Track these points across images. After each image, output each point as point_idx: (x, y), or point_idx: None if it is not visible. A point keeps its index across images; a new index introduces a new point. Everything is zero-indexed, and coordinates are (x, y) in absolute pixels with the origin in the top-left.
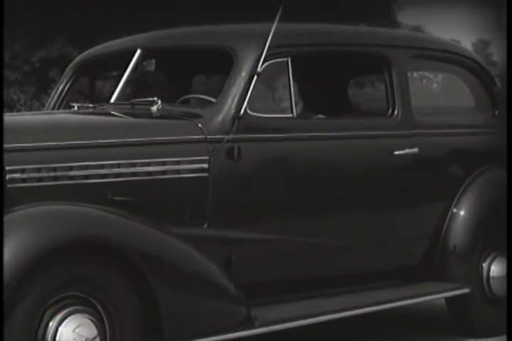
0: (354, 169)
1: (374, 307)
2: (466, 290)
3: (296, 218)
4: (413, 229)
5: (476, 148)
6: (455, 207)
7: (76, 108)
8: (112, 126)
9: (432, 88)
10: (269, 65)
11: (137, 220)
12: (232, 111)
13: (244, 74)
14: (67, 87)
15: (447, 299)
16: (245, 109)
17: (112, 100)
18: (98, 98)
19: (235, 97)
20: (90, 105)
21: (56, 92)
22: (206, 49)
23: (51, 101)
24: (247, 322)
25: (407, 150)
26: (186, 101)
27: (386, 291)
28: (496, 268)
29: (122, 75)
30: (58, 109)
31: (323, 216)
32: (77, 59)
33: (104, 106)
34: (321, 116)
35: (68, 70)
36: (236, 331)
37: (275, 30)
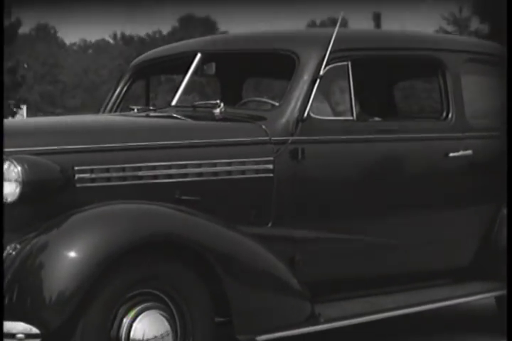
0: (411, 170)
1: (428, 305)
2: None
3: (356, 218)
4: (465, 229)
5: None
6: (505, 208)
7: (136, 110)
8: (178, 127)
9: (484, 91)
10: (331, 68)
11: (207, 219)
12: (296, 113)
13: (306, 77)
14: (124, 90)
15: (497, 298)
16: (308, 112)
17: (173, 103)
18: (155, 101)
19: (298, 100)
20: (151, 108)
21: (113, 95)
22: (267, 53)
23: (108, 103)
24: (312, 318)
25: (462, 153)
26: (246, 105)
27: (439, 290)
28: None
29: (183, 79)
30: (115, 111)
31: (382, 216)
32: (135, 62)
33: (166, 109)
34: (377, 118)
35: (126, 73)
36: (302, 327)
37: (336, 34)
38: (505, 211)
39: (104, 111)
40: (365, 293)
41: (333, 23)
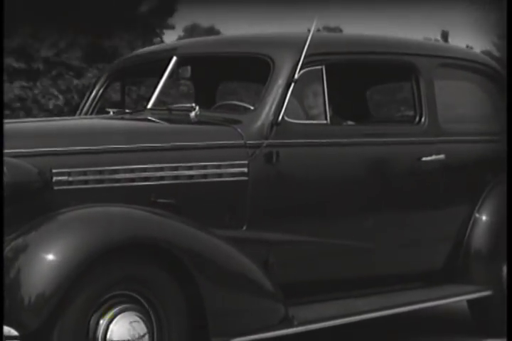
0: (383, 174)
1: (403, 308)
2: (487, 293)
3: (330, 221)
4: (437, 232)
5: (498, 154)
6: (478, 211)
7: (112, 113)
8: (154, 130)
9: (457, 95)
10: (305, 72)
11: (183, 221)
12: (270, 117)
13: (281, 81)
14: (100, 93)
15: (469, 301)
16: (282, 116)
17: (149, 106)
18: (131, 104)
19: (273, 104)
20: (127, 111)
21: (89, 98)
22: (243, 56)
23: (84, 106)
24: (286, 321)
25: (434, 157)
26: (221, 108)
27: (412, 293)
28: None
29: (158, 82)
30: (91, 114)
31: (355, 219)
32: (112, 64)
33: (142, 112)
34: (350, 122)
35: (102, 76)
36: (276, 329)
37: (311, 38)
38: (477, 215)
39: (80, 114)
40: (340, 296)
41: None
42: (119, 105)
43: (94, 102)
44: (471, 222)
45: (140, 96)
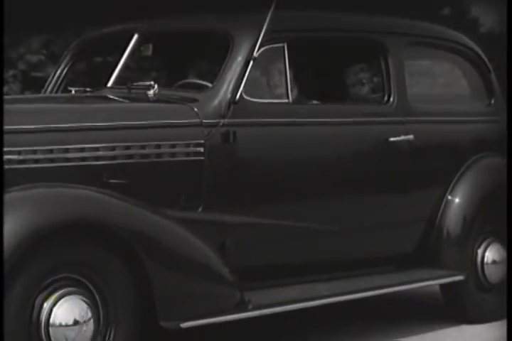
0: (349, 155)
1: (367, 292)
2: (460, 277)
3: (291, 202)
4: (408, 215)
5: (471, 136)
6: (450, 193)
7: (73, 92)
8: (107, 109)
9: (428, 75)
10: (266, 50)
11: (132, 202)
12: (228, 95)
13: (240, 59)
14: (65, 71)
15: (441, 285)
16: (241, 94)
17: (109, 84)
18: (96, 82)
19: (231, 82)
20: (88, 89)
21: (54, 76)
22: (203, 34)
23: (49, 84)
24: (240, 305)
25: (402, 137)
26: (184, 86)
27: (380, 277)
28: (490, 255)
29: (119, 59)
30: (56, 92)
31: (318, 201)
32: (75, 43)
33: (101, 90)
34: (316, 102)
35: (66, 54)
36: (229, 314)
37: (271, 15)
38: (449, 197)
39: (45, 92)
40: (301, 280)
41: None
42: (84, 83)
43: (59, 81)
44: (443, 204)
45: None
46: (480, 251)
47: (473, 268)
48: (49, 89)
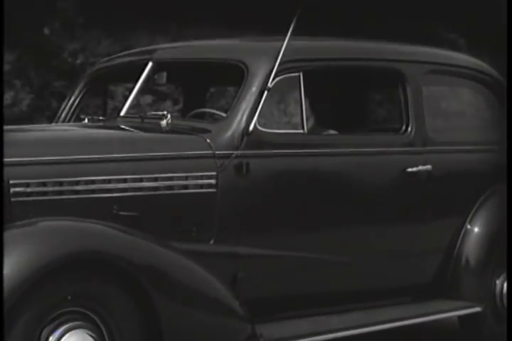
0: (366, 186)
1: (383, 325)
2: (478, 309)
3: (305, 234)
4: (426, 245)
5: (490, 165)
6: (469, 223)
7: (86, 121)
8: (119, 140)
9: (447, 103)
10: (281, 79)
11: (139, 236)
12: (242, 126)
13: (254, 89)
14: (78, 99)
15: (460, 317)
16: (255, 125)
17: (122, 113)
18: (109, 110)
19: (245, 112)
20: (100, 118)
21: (67, 104)
22: (217, 63)
23: (62, 113)
24: (252, 339)
25: (420, 168)
26: (198, 116)
27: (397, 309)
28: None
29: (133, 88)
30: (69, 121)
31: (333, 232)
32: (90, 70)
33: (114, 120)
34: (332, 132)
35: (80, 82)
36: None
37: (287, 45)
38: (469, 226)
39: (57, 121)
40: (313, 313)
41: None
42: (99, 112)
43: (72, 109)
44: (462, 234)
45: (120, 102)
46: (499, 282)
47: (492, 299)
48: (62, 117)
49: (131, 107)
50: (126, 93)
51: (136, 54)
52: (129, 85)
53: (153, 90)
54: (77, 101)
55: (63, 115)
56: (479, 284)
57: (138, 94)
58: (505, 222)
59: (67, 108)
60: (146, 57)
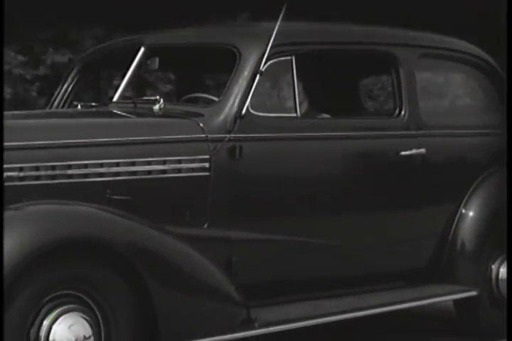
0: (359, 169)
1: (378, 309)
2: (474, 293)
3: (299, 218)
4: (420, 230)
5: (485, 149)
6: (464, 208)
7: (79, 107)
8: (112, 124)
9: (441, 87)
10: (273, 63)
11: (133, 219)
12: (234, 110)
13: (246, 73)
14: (71, 86)
15: (455, 301)
16: (247, 108)
17: (115, 99)
18: (103, 96)
19: (237, 96)
20: (93, 104)
21: (61, 91)
22: (209, 47)
23: (55, 99)
24: (247, 324)
25: (414, 151)
26: (191, 100)
27: (392, 293)
28: (504, 270)
29: (125, 73)
30: (63, 107)
31: (327, 216)
32: (82, 57)
33: (107, 105)
34: (325, 115)
35: (72, 68)
36: (235, 332)
37: (279, 28)
38: (463, 211)
39: (51, 107)
40: (308, 297)
41: None
42: (91, 98)
43: (65, 95)
44: (457, 218)
45: (112, 88)
46: (494, 267)
47: (488, 283)
48: (55, 104)
49: (123, 92)
50: (116, 80)
51: (128, 40)
52: (122, 71)
53: (144, 75)
54: (70, 88)
55: (56, 102)
56: (474, 268)
57: (130, 80)
58: (499, 205)
59: (61, 94)
60: (138, 42)
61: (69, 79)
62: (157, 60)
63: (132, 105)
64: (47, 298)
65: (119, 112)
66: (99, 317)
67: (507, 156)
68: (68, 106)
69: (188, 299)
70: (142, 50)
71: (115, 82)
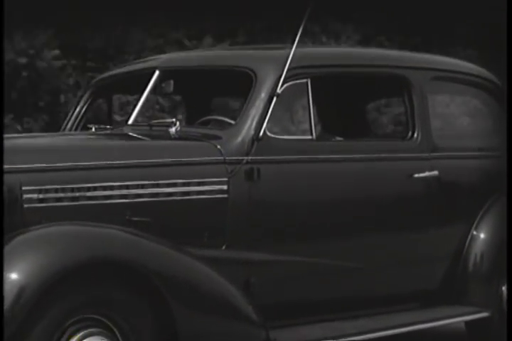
0: (373, 191)
1: (393, 330)
2: (486, 314)
3: (315, 240)
4: (433, 251)
5: (496, 171)
6: (475, 229)
7: (94, 129)
8: (131, 147)
9: (452, 110)
10: (289, 86)
11: (155, 241)
12: (251, 132)
13: (263, 95)
14: (84, 109)
15: (467, 322)
16: (264, 131)
17: (130, 122)
18: (116, 119)
19: (254, 119)
20: (108, 127)
21: (73, 114)
22: (225, 70)
23: (68, 122)
24: None
25: (427, 173)
26: (205, 123)
27: (405, 314)
28: None
29: (140, 97)
30: (76, 130)
31: (343, 238)
32: (95, 80)
33: (122, 128)
34: (339, 138)
35: (86, 91)
36: None
37: (295, 51)
38: (475, 233)
39: (64, 130)
40: (326, 318)
41: None
42: (105, 121)
43: (78, 119)
44: (468, 240)
45: (126, 111)
46: (505, 288)
47: (499, 304)
48: (68, 126)
49: (138, 115)
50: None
51: (141, 62)
52: (135, 94)
53: (159, 98)
54: (82, 111)
55: (69, 125)
56: (486, 290)
57: (145, 103)
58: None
59: (73, 118)
60: (153, 65)
61: (81, 102)
62: (172, 83)
63: (148, 128)
64: (69, 322)
65: (135, 135)
66: (120, 340)
67: (507, 178)
68: (81, 129)
69: (208, 320)
70: (157, 73)
71: (129, 106)
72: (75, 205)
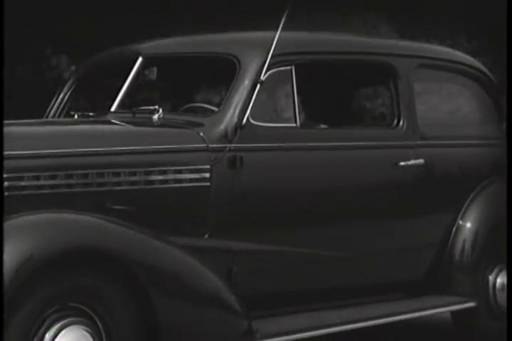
0: (357, 180)
1: (377, 320)
2: (471, 304)
3: (299, 229)
4: (418, 241)
5: (482, 159)
6: (461, 219)
7: (76, 116)
8: (112, 134)
9: (438, 98)
10: (273, 73)
11: (136, 229)
12: (235, 120)
13: (247, 82)
14: (67, 96)
15: (453, 312)
16: (248, 118)
17: (113, 109)
18: (99, 107)
19: (237, 106)
20: (91, 114)
21: (56, 101)
22: (209, 57)
23: (51, 109)
24: (248, 335)
25: (413, 161)
26: (189, 110)
27: (390, 304)
28: (502, 281)
29: (123, 84)
30: (59, 117)
31: (326, 227)
32: (78, 67)
33: (105, 115)
34: (324, 126)
35: (69, 78)
36: None
37: (279, 38)
38: (461, 222)
39: (47, 117)
40: (309, 308)
41: None
42: (88, 108)
43: (62, 105)
44: (454, 229)
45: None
46: (492, 277)
47: (485, 294)
48: (51, 113)
49: (121, 102)
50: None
51: (125, 49)
52: (119, 81)
53: (142, 85)
54: (66, 98)
55: (52, 112)
56: (472, 279)
57: (128, 90)
58: (497, 216)
59: (56, 105)
60: (136, 52)
61: (65, 89)
62: (155, 69)
63: (131, 115)
64: (50, 310)
65: (117, 122)
66: (101, 329)
67: (507, 165)
68: (65, 116)
69: (190, 310)
70: (140, 59)
71: (112, 92)
72: (56, 193)
